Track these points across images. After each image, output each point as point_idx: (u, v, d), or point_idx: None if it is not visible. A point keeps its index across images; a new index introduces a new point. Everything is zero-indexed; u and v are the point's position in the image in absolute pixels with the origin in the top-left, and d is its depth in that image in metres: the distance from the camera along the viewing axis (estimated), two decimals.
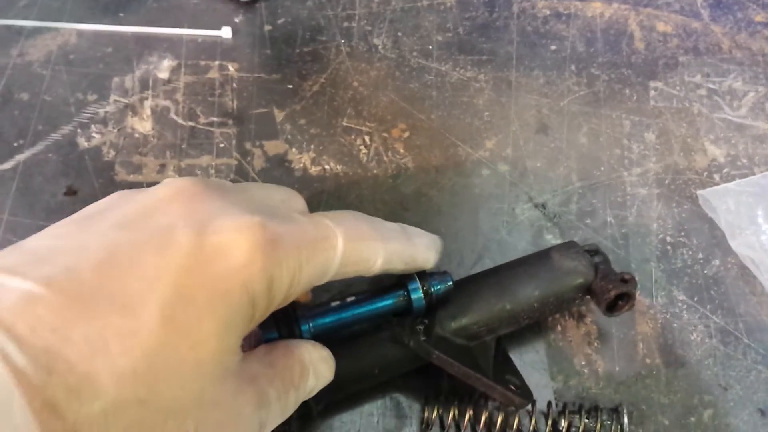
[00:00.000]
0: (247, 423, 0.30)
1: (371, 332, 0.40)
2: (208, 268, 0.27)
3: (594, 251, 0.42)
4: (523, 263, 0.43)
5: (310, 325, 0.37)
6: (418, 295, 0.38)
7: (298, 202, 0.36)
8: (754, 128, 0.51)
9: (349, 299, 0.39)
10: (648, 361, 0.44)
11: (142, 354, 0.25)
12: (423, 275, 0.39)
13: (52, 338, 0.24)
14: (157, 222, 0.29)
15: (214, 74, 0.52)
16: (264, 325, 0.35)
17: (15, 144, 0.49)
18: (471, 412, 0.41)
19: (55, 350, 0.23)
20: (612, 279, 0.40)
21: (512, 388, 0.39)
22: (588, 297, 0.41)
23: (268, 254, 0.28)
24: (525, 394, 0.40)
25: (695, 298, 0.46)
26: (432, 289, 0.38)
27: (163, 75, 0.52)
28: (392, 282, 0.39)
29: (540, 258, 0.42)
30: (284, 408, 0.33)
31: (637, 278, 0.40)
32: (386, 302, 0.39)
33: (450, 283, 0.39)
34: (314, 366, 0.34)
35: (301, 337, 0.36)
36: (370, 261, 0.34)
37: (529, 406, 0.41)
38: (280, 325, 0.36)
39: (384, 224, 0.36)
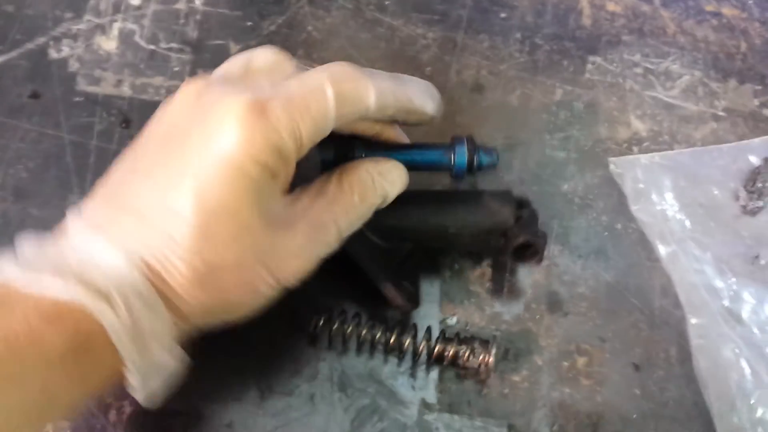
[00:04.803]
0: (307, 249, 0.37)
1: None
2: (216, 155, 0.33)
3: (524, 203, 0.45)
4: (456, 193, 0.47)
5: (363, 154, 0.42)
6: (462, 156, 0.42)
7: (286, 63, 0.39)
8: (682, 108, 0.54)
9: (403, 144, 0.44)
10: (534, 306, 0.47)
11: (194, 234, 0.33)
12: (473, 144, 0.43)
13: (137, 242, 0.34)
14: (175, 130, 0.36)
15: (181, 5, 0.56)
16: (323, 147, 0.41)
17: None
18: (361, 330, 0.44)
19: (142, 250, 0.34)
20: (526, 230, 0.43)
21: (403, 292, 0.43)
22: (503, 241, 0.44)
23: (259, 125, 0.33)
24: (412, 300, 0.44)
25: (591, 256, 0.49)
26: (476, 157, 0.42)
27: (135, 1, 0.56)
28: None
29: (473, 193, 0.46)
30: (356, 217, 0.39)
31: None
32: (433, 154, 0.43)
33: (496, 159, 0.43)
34: (383, 175, 0.40)
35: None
36: (364, 97, 0.36)
37: (411, 329, 0.44)
38: (338, 149, 0.41)
39: (372, 69, 0.39)
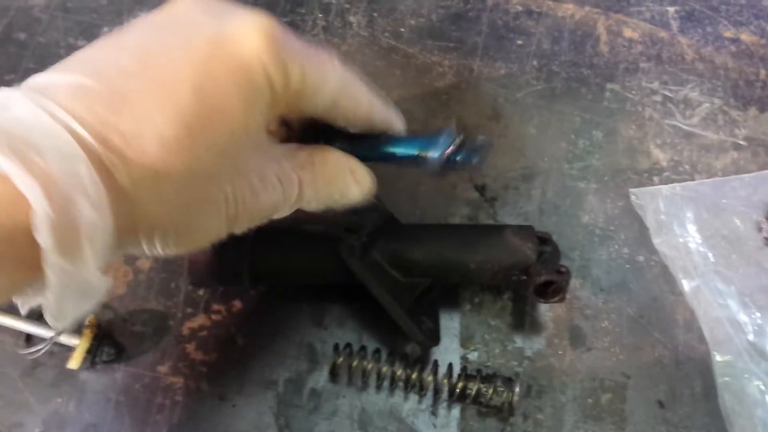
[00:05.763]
0: (272, 193, 0.34)
1: (319, 238, 0.44)
2: (230, 52, 0.31)
3: (545, 240, 0.44)
4: (477, 228, 0.47)
5: (338, 143, 0.38)
6: (437, 148, 0.36)
7: None
8: (702, 137, 0.53)
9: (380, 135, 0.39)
10: (556, 341, 0.46)
11: (183, 124, 0.29)
12: (454, 137, 0.36)
13: (104, 114, 0.28)
14: (183, 20, 0.33)
15: None
16: (303, 136, 0.38)
17: (6, 78, 0.54)
18: (381, 367, 0.44)
19: (108, 124, 0.28)
20: (548, 267, 0.42)
21: (422, 328, 0.42)
22: (524, 278, 0.43)
23: (279, 43, 0.32)
24: (432, 336, 0.43)
25: (613, 289, 0.48)
26: (452, 154, 0.36)
27: None
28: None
29: (494, 228, 0.45)
30: (317, 195, 0.37)
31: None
32: (409, 145, 0.37)
33: (476, 159, 0.36)
34: (354, 172, 0.38)
35: None
36: (359, 87, 0.37)
37: (432, 366, 0.44)
38: (318, 136, 0.38)
39: None
